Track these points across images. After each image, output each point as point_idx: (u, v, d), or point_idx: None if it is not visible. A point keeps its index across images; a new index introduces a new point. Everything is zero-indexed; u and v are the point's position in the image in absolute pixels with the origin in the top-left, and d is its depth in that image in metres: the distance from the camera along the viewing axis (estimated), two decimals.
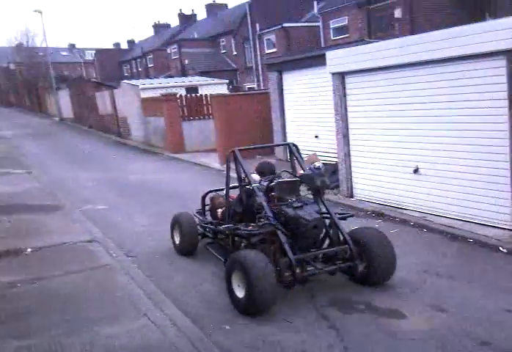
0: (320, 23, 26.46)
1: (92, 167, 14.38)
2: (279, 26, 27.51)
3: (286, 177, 5.68)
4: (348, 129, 8.87)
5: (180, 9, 50.84)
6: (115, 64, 53.70)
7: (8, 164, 14.57)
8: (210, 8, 45.86)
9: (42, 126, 30.82)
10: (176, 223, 6.64)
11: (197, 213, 6.98)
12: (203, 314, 4.80)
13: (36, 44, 55.85)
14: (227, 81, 22.80)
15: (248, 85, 31.65)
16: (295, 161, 6.04)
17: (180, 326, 4.42)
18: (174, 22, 53.39)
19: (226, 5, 46.06)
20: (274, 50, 28.28)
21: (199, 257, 6.43)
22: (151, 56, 44.93)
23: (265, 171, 6.02)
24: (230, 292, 4.90)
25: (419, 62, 7.10)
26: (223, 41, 36.15)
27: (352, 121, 8.77)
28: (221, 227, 5.87)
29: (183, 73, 34.13)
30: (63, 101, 34.84)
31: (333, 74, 8.87)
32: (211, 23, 41.91)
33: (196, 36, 40.76)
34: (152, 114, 18.65)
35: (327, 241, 5.29)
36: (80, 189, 11.23)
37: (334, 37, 25.47)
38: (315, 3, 28.90)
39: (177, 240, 6.56)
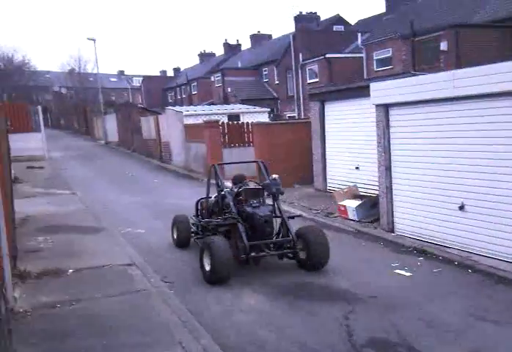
0: (363, 55, 26.58)
1: (134, 190, 14.69)
2: (322, 57, 27.82)
3: (252, 185, 7.67)
4: (390, 161, 8.74)
5: (226, 39, 52.07)
6: (160, 91, 55.50)
7: (55, 185, 15.10)
8: (254, 38, 47.07)
9: (89, 149, 31.92)
10: (175, 223, 8.38)
11: (193, 216, 8.57)
12: (237, 345, 4.72)
13: (87, 70, 58.69)
14: (268, 109, 23.08)
15: (288, 114, 31.92)
16: (264, 175, 7.89)
17: None
18: (219, 51, 54.92)
19: (270, 36, 47.16)
20: (316, 80, 28.53)
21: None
22: (195, 84, 46.20)
23: (237, 181, 7.88)
24: (202, 267, 6.58)
25: (467, 96, 6.97)
26: (265, 70, 36.84)
27: (395, 153, 8.64)
28: (202, 222, 7.92)
29: (225, 101, 34.86)
30: (109, 125, 36.11)
31: (377, 105, 8.83)
32: (255, 53, 42.91)
33: (239, 65, 41.75)
34: (193, 139, 19.01)
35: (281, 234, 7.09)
36: (121, 211, 11.46)
37: (377, 68, 25.47)
38: (359, 34, 29.14)
39: (175, 236, 8.34)
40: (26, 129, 22.79)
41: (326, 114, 12.66)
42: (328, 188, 12.68)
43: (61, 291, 5.94)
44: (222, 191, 7.51)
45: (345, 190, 10.74)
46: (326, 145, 12.75)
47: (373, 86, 8.92)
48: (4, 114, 9.40)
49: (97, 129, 41.32)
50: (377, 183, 9.34)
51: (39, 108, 24.90)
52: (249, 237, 6.69)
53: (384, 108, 8.72)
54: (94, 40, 36.24)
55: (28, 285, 6.14)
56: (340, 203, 10.15)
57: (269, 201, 7.55)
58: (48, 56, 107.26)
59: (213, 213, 7.84)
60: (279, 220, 7.17)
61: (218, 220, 7.35)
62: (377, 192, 9.48)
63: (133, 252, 7.78)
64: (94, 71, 46.28)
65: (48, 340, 4.66)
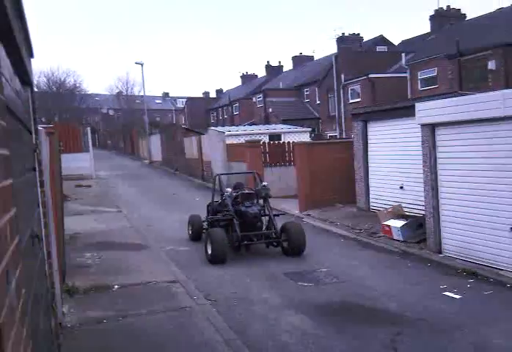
0: (407, 74, 26.28)
1: (177, 208, 14.91)
2: (365, 77, 27.72)
3: (247, 190, 9.74)
4: (437, 181, 8.51)
5: (268, 61, 52.76)
6: (203, 112, 56.69)
7: (102, 203, 15.57)
8: (296, 60, 47.60)
9: (134, 168, 32.84)
10: (190, 221, 10.49)
11: (205, 217, 10.32)
12: None
13: (134, 92, 60.87)
14: (309, 129, 23.09)
15: (330, 133, 31.80)
16: (257, 182, 10.28)
17: None
18: (261, 73, 55.72)
19: (312, 57, 47.54)
20: (358, 100, 28.39)
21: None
22: (237, 105, 46.95)
23: (237, 187, 10.07)
24: (205, 251, 8.50)
25: None
26: (307, 90, 37.03)
27: (442, 173, 8.41)
28: (208, 218, 9.98)
29: (267, 121, 35.16)
30: (153, 145, 37.10)
31: (422, 125, 8.67)
32: (296, 74, 43.30)
33: (281, 86, 42.18)
34: (235, 159, 19.22)
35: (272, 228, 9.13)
36: (164, 229, 11.64)
37: (421, 87, 25.09)
38: (403, 54, 28.88)
39: (190, 231, 10.40)
40: (76, 149, 23.75)
41: (368, 133, 12.53)
42: (371, 207, 12.46)
43: (108, 307, 6.06)
44: (223, 195, 9.70)
45: (389, 209, 10.52)
46: (369, 164, 12.58)
47: (419, 106, 8.78)
48: (57, 135, 9.84)
49: (142, 149, 42.54)
50: (422, 203, 9.10)
51: (89, 129, 25.95)
52: (241, 229, 8.80)
53: (430, 128, 8.56)
54: (141, 64, 37.64)
55: (76, 300, 6.30)
56: (384, 223, 9.93)
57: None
58: (97, 80, 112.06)
59: (218, 212, 9.81)
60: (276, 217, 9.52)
61: (219, 217, 9.51)
62: (423, 212, 9.23)
63: (176, 269, 7.86)
64: (141, 93, 47.87)
65: None
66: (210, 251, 8.30)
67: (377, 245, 9.58)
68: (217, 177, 10.42)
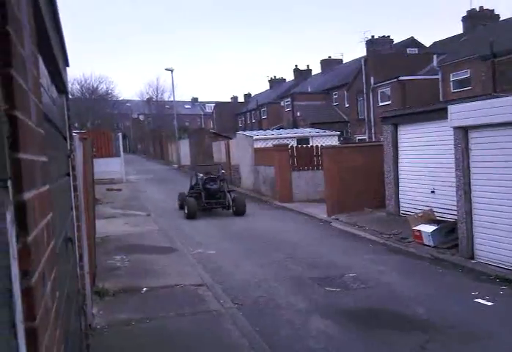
0: (439, 76, 25.80)
1: (204, 212, 14.99)
2: (395, 79, 27.32)
3: (212, 175, 14.92)
4: (470, 185, 8.30)
5: (296, 65, 52.59)
6: (231, 116, 57.04)
7: (132, 207, 15.83)
8: (324, 63, 47.35)
9: (162, 172, 33.28)
10: (179, 196, 15.68)
11: (188, 192, 15.42)
12: None
13: (164, 98, 61.92)
14: (338, 132, 22.91)
15: (359, 137, 31.48)
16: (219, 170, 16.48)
17: None
18: (289, 77, 55.65)
19: (341, 60, 47.20)
20: (388, 102, 28.02)
21: None
22: (265, 109, 47.04)
23: (207, 173, 15.16)
24: (184, 212, 14.01)
25: None
26: (335, 94, 36.79)
27: (475, 177, 8.20)
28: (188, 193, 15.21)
29: (294, 125, 35.08)
30: (182, 150, 37.54)
31: (455, 128, 8.48)
32: (325, 78, 43.08)
33: (309, 89, 42.04)
34: (262, 163, 19.25)
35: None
36: (192, 233, 11.74)
37: (454, 89, 24.57)
38: (435, 56, 28.37)
39: (178, 202, 15.48)
40: (108, 154, 24.27)
41: (399, 136, 12.34)
42: (401, 212, 12.24)
43: (137, 309, 6.14)
44: (197, 178, 15.17)
45: (419, 214, 10.32)
46: (399, 168, 12.37)
47: (452, 108, 8.60)
48: (90, 141, 10.09)
49: (171, 153, 43.10)
50: (455, 208, 8.89)
51: (120, 134, 26.47)
52: (206, 199, 14.38)
53: (463, 131, 8.36)
54: (171, 70, 38.17)
55: (105, 302, 6.41)
56: (415, 228, 9.74)
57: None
58: (128, 86, 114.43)
59: (193, 189, 15.22)
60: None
61: (193, 191, 15.10)
62: (455, 217, 9.01)
63: (203, 273, 7.91)
64: (171, 99, 48.59)
65: None
66: (186, 211, 13.97)
67: (407, 250, 9.40)
68: (195, 167, 17.64)
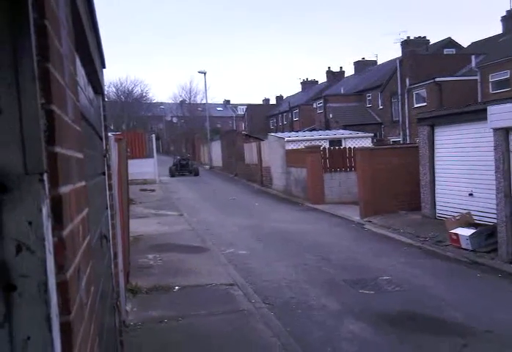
0: (478, 77, 25.09)
1: (236, 213, 15.08)
2: (432, 81, 26.71)
3: (184, 158, 34.87)
4: (510, 188, 8.02)
5: (329, 67, 52.14)
6: (263, 118, 57.14)
7: (165, 207, 16.06)
8: (358, 65, 46.78)
9: None
10: (169, 169, 32.03)
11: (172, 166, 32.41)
12: None
13: (196, 100, 62.56)
14: (371, 134, 22.61)
15: (392, 139, 30.95)
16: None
17: None
18: (322, 79, 55.29)
19: (375, 62, 46.55)
20: (424, 104, 27.42)
21: None
22: (297, 111, 46.88)
23: (182, 156, 36.29)
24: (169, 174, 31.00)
25: None
26: (369, 96, 36.29)
27: None
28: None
29: (327, 127, 34.81)
30: (214, 151, 37.85)
31: (495, 129, 8.22)
32: (358, 79, 42.55)
33: (342, 91, 41.63)
34: (294, 165, 19.18)
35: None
36: (223, 233, 11.79)
37: (493, 90, 23.85)
38: (473, 57, 27.61)
39: (169, 171, 31.80)
40: (142, 155, 24.72)
41: (435, 138, 12.05)
42: (437, 215, 11.94)
43: (169, 307, 6.21)
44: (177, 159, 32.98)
45: (457, 217, 10.03)
46: (435, 170, 12.08)
47: (492, 109, 8.34)
48: (125, 141, 10.29)
49: (203, 155, 43.53)
50: (494, 211, 8.61)
51: (153, 136, 26.93)
52: (180, 169, 31.91)
53: (504, 132, 8.10)
54: (204, 73, 38.58)
55: (138, 300, 6.51)
56: (452, 231, 9.48)
57: None
58: (162, 88, 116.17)
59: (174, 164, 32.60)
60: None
61: (175, 166, 32.08)
62: (493, 220, 8.73)
63: (235, 273, 7.93)
64: (203, 101, 49.09)
65: None
66: (169, 174, 30.61)
67: (443, 254, 9.16)
68: (177, 157, 34.67)
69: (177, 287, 6.97)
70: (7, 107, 0.97)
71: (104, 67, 4.00)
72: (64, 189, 1.20)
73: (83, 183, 1.71)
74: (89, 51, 2.57)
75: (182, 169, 31.32)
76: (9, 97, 0.97)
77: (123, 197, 7.29)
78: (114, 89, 54.19)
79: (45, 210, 1.04)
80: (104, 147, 4.25)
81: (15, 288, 0.99)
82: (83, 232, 1.61)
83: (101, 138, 4.01)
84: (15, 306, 0.99)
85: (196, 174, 30.76)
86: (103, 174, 4.10)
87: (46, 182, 1.05)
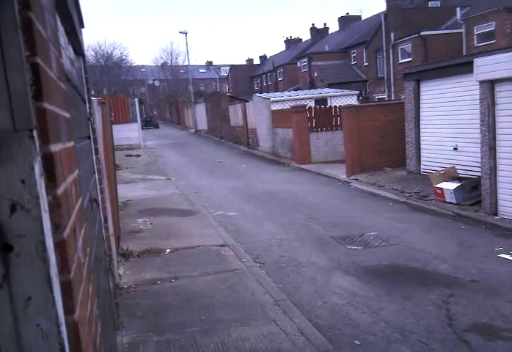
0: (462, 30, 24.78)
1: (223, 176, 15.09)
2: (416, 35, 26.33)
3: (148, 116, 48.66)
4: (495, 140, 8.11)
5: (313, 24, 50.84)
6: (247, 79, 56.21)
7: (152, 171, 15.98)
8: (342, 21, 45.73)
9: (180, 137, 33.33)
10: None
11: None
12: (331, 326, 4.69)
13: (178, 62, 61.15)
14: (357, 92, 22.44)
15: (378, 96, 30.81)
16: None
17: (308, 337, 4.37)
18: (306, 36, 54.16)
19: (359, 17, 45.56)
20: (409, 59, 27.15)
21: None
22: (281, 70, 46.14)
23: (147, 115, 49.08)
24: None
25: None
26: (354, 52, 35.77)
27: (501, 132, 8.00)
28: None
29: (312, 86, 34.44)
30: (199, 114, 37.37)
31: (481, 82, 8.21)
32: (343, 36, 41.78)
33: (327, 49, 40.93)
34: (280, 125, 19.08)
35: None
36: (212, 196, 11.84)
37: (478, 43, 23.64)
38: (458, 9, 27.16)
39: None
40: (125, 120, 24.32)
41: (421, 93, 12.02)
42: (422, 170, 12.10)
43: (161, 269, 6.29)
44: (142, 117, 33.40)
45: (441, 172, 10.17)
46: (421, 126, 12.13)
47: (478, 61, 8.29)
48: (108, 106, 10.06)
49: (187, 118, 42.98)
50: (478, 164, 8.74)
51: (136, 100, 26.40)
52: (145, 124, 39.63)
53: (489, 85, 8.09)
54: (185, 33, 37.46)
55: (131, 263, 6.57)
56: (436, 185, 9.64)
57: None
58: (142, 51, 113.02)
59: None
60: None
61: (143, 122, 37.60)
62: (478, 174, 8.88)
63: (225, 234, 8.02)
64: (185, 63, 47.97)
65: (151, 314, 4.96)
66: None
67: (428, 208, 9.35)
68: (143, 116, 38.51)
69: (168, 250, 7.04)
70: None
71: (83, 26, 3.84)
72: (55, 147, 1.16)
73: (72, 143, 1.67)
74: (67, 7, 2.45)
75: (147, 123, 41.83)
76: None
77: (109, 162, 7.21)
78: (93, 53, 52.51)
79: (38, 167, 1.01)
80: (88, 111, 4.15)
81: (11, 248, 0.98)
82: (76, 193, 1.59)
83: (84, 101, 3.91)
84: (13, 266, 0.98)
85: (157, 127, 43.76)
86: (89, 138, 4.03)
87: (36, 139, 1.02)
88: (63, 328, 1.07)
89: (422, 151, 12.12)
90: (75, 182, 1.56)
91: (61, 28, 2.31)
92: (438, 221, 8.49)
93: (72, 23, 2.81)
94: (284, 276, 6.15)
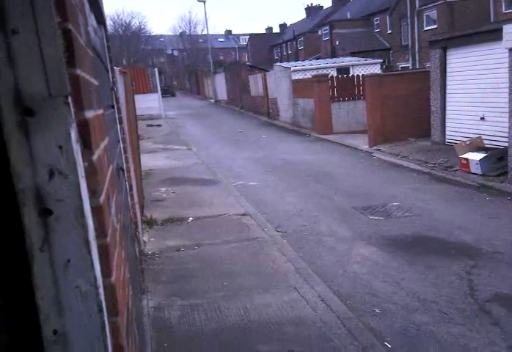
0: None
1: (244, 146, 15.08)
2: (442, 1, 25.35)
3: (166, 85, 48.34)
4: None
5: None
6: (267, 48, 55.26)
7: (173, 141, 16.05)
8: None
9: (200, 107, 33.23)
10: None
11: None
12: (351, 294, 4.74)
13: (197, 32, 60.46)
14: (380, 60, 21.89)
15: (402, 65, 30.01)
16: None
17: (329, 304, 4.43)
18: (327, 3, 52.62)
19: None
20: (434, 26, 26.22)
21: None
22: (302, 39, 45.19)
23: (165, 84, 48.72)
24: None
25: None
26: (377, 20, 34.68)
27: None
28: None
29: (333, 54, 33.69)
30: (218, 84, 37.08)
31: (510, 49, 7.90)
32: (366, 2, 40.41)
33: (348, 16, 39.76)
34: (301, 95, 18.82)
35: None
36: (233, 166, 11.87)
37: (506, 10, 22.67)
38: None
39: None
40: (146, 90, 24.30)
41: (447, 62, 11.65)
42: (446, 141, 11.86)
43: (184, 236, 6.40)
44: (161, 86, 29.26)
45: (467, 142, 9.96)
46: (447, 95, 11.82)
47: (507, 28, 7.96)
48: (129, 77, 10.04)
49: (207, 88, 42.72)
50: (505, 134, 8.52)
51: (156, 70, 26.26)
52: (163, 93, 29.61)
53: None
54: (204, 2, 36.77)
55: (155, 231, 6.70)
56: (462, 156, 9.46)
57: None
58: (161, 20, 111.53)
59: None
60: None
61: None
62: (505, 144, 8.66)
63: (246, 203, 8.07)
64: (204, 32, 47.38)
65: (175, 280, 5.08)
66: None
67: (453, 179, 9.21)
68: (161, 85, 31.84)
69: (191, 218, 7.14)
70: (23, 26, 0.91)
71: None
72: (89, 114, 1.17)
73: (101, 111, 1.68)
74: None
75: (164, 92, 40.18)
76: (23, 14, 0.91)
77: (133, 131, 7.25)
78: (112, 23, 52.16)
79: (74, 134, 1.02)
80: (111, 80, 4.15)
81: (51, 213, 0.99)
82: (108, 159, 1.61)
83: (107, 70, 3.90)
84: (52, 230, 1.00)
85: (173, 95, 46.34)
86: (112, 107, 4.04)
87: (71, 106, 1.02)
88: (101, 290, 1.10)
89: (447, 121, 11.85)
90: (106, 150, 1.58)
91: None
92: (462, 192, 8.38)
93: None
94: (306, 245, 6.19)
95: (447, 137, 11.87)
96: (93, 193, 1.13)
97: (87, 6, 2.48)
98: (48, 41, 0.94)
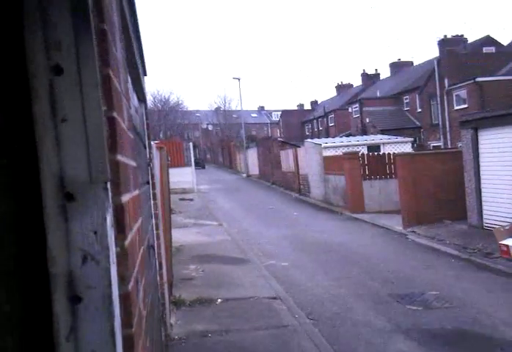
0: None
1: (274, 223, 14.87)
2: (472, 81, 25.82)
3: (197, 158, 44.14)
4: None
5: (364, 70, 51.37)
6: (298, 124, 56.81)
7: (204, 216, 16.03)
8: (394, 66, 45.84)
9: (232, 182, 33.62)
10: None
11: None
12: None
13: (231, 107, 63.08)
14: (411, 139, 22.03)
15: (433, 143, 30.07)
16: None
17: None
18: (357, 82, 54.53)
19: (411, 62, 45.53)
20: (464, 106, 26.54)
21: None
22: (332, 116, 46.37)
23: (197, 158, 45.65)
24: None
25: None
26: (406, 98, 35.47)
27: None
28: None
29: (363, 132, 34.22)
30: (250, 159, 37.82)
31: None
32: (395, 81, 41.70)
33: (378, 94, 40.88)
34: (332, 172, 18.83)
35: None
36: (264, 243, 11.60)
37: None
38: None
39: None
40: (180, 164, 24.92)
41: (479, 142, 11.54)
42: (484, 224, 11.39)
43: (212, 320, 6.07)
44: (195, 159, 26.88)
45: (506, 227, 9.52)
46: (481, 176, 11.55)
47: None
48: (165, 151, 10.32)
49: (239, 163, 43.59)
50: None
51: (191, 144, 27.12)
52: (196, 165, 26.30)
53: None
54: (239, 79, 38.73)
55: (182, 312, 6.41)
56: (501, 242, 8.99)
57: None
58: (197, 97, 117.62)
59: None
60: None
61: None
62: None
63: (277, 285, 7.74)
64: (238, 108, 49.35)
65: None
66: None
67: (494, 267, 8.65)
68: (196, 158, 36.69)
69: (219, 300, 6.84)
70: (72, 114, 0.95)
71: (146, 74, 3.94)
72: (125, 198, 1.18)
73: (137, 192, 1.68)
74: (134, 58, 2.49)
75: (197, 164, 41.12)
76: (73, 104, 0.95)
77: (165, 207, 7.24)
78: (152, 98, 55.19)
79: (109, 219, 1.01)
80: (148, 156, 4.18)
81: (80, 300, 0.96)
82: (139, 241, 1.61)
83: (145, 147, 3.95)
84: (80, 318, 0.96)
85: (203, 167, 48.04)
86: (148, 183, 4.03)
87: (109, 191, 1.03)
88: None
89: (484, 203, 11.47)
90: (139, 231, 1.59)
91: (129, 79, 2.32)
92: (506, 282, 7.82)
93: (137, 73, 2.86)
94: (339, 336, 5.76)
95: (484, 220, 11.41)
96: (122, 280, 1.11)
97: (131, 88, 2.53)
98: (93, 129, 0.98)
